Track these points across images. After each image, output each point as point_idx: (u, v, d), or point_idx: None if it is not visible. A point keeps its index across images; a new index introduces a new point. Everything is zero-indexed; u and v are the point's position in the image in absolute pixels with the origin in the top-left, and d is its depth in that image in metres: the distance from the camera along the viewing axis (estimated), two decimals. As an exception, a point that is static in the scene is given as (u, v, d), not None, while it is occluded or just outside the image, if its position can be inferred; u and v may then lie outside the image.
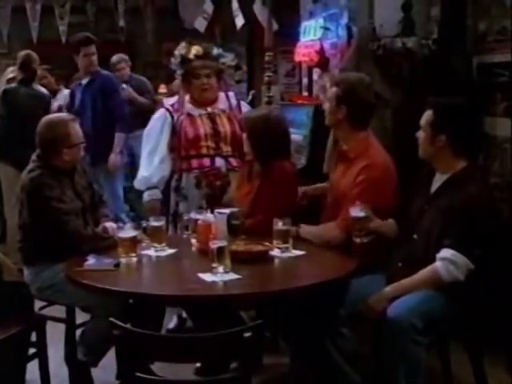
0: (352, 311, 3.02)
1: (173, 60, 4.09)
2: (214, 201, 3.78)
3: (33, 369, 3.34)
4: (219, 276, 2.76)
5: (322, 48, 5.04)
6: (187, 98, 4.07)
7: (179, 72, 4.07)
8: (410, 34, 4.27)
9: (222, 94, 4.13)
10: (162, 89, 6.69)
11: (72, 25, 8.15)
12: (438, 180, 3.09)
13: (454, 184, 2.99)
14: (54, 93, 6.53)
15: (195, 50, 4.00)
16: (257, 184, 3.55)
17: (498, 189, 3.87)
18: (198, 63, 3.98)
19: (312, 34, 5.27)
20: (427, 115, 3.07)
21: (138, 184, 4.13)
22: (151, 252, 3.19)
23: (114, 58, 6.83)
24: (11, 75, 6.27)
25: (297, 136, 4.68)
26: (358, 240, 3.05)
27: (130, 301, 3.21)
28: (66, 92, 6.48)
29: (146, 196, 4.06)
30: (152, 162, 4.03)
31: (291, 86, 7.51)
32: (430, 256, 2.91)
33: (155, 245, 3.20)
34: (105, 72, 5.77)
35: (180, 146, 3.98)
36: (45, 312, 3.58)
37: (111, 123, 5.53)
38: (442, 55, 4.16)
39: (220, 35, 8.05)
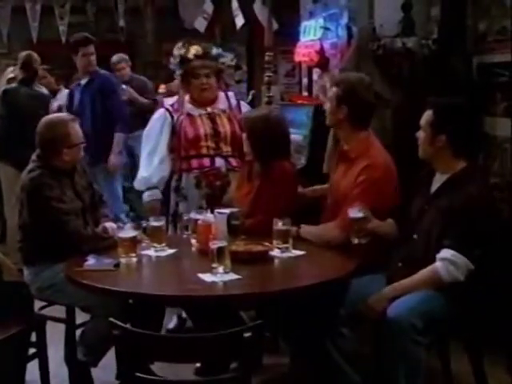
0: (352, 311, 3.02)
1: (172, 60, 4.09)
2: (213, 201, 3.78)
3: (33, 369, 3.34)
4: (219, 276, 2.76)
5: (321, 48, 5.04)
6: (187, 98, 4.07)
7: (178, 72, 4.07)
8: (410, 34, 4.27)
9: (221, 94, 4.13)
10: (162, 89, 6.69)
11: (72, 25, 8.15)
12: (438, 180, 3.09)
13: (454, 184, 2.99)
14: (53, 93, 6.53)
15: (194, 49, 4.00)
16: (257, 184, 3.55)
17: (498, 189, 3.87)
18: (198, 63, 3.97)
19: (312, 34, 5.27)
20: (427, 115, 3.07)
21: (137, 184, 4.13)
22: (151, 252, 3.19)
23: (114, 58, 6.83)
24: (11, 75, 6.28)
25: (297, 136, 4.68)
26: (355, 241, 3.05)
27: (130, 301, 3.21)
28: (65, 92, 6.46)
29: (145, 196, 4.06)
30: (152, 162, 4.03)
31: (291, 86, 7.51)
32: (430, 256, 2.91)
33: (155, 245, 3.20)
34: (103, 72, 5.76)
35: (180, 146, 3.98)
36: (45, 312, 3.58)
37: (110, 123, 5.52)
38: (442, 55, 4.16)
39: (220, 35, 8.05)
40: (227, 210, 3.33)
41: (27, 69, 5.75)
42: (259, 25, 6.07)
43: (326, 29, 5.03)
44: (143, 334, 2.31)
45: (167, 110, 4.09)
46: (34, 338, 3.30)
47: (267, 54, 5.58)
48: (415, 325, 2.80)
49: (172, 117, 4.03)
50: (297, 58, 5.58)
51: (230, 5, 6.37)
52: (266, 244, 3.09)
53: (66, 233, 3.31)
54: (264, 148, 3.52)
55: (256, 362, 3.42)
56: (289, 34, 5.93)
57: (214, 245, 2.80)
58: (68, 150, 3.44)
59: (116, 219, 4.17)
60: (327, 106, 3.39)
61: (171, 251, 3.20)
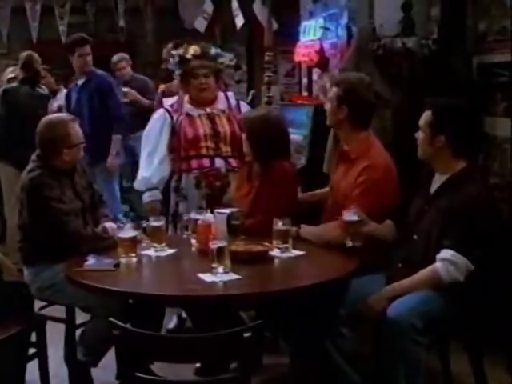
0: (352, 311, 3.02)
1: (171, 60, 4.09)
2: (213, 201, 3.77)
3: (33, 369, 3.33)
4: (219, 276, 2.76)
5: (321, 48, 5.04)
6: (186, 98, 4.07)
7: (177, 72, 4.07)
8: (410, 34, 4.27)
9: (221, 94, 4.13)
10: (161, 89, 6.69)
11: (72, 25, 8.16)
12: (438, 180, 3.09)
13: (454, 184, 2.99)
14: (53, 93, 6.53)
15: (193, 49, 4.00)
16: (256, 184, 3.55)
17: (498, 189, 3.87)
18: (196, 63, 3.97)
19: (312, 34, 5.27)
20: (426, 116, 3.07)
21: (137, 185, 4.13)
22: (151, 252, 3.19)
23: (115, 58, 6.82)
24: (11, 75, 6.28)
25: (296, 136, 4.68)
26: (350, 244, 3.04)
27: (130, 301, 3.21)
28: (65, 92, 6.47)
29: (146, 197, 4.05)
30: (152, 162, 4.03)
31: (291, 86, 7.50)
32: (430, 257, 2.91)
33: (155, 245, 3.19)
34: (100, 72, 5.76)
35: (179, 146, 3.98)
36: (45, 312, 3.58)
37: (108, 123, 5.54)
38: (441, 55, 4.16)
39: (220, 35, 8.05)
40: (227, 210, 3.32)
41: (28, 69, 5.76)
42: (259, 25, 6.07)
43: (326, 29, 5.03)
44: (143, 334, 2.31)
45: (167, 110, 4.09)
46: (33, 338, 3.30)
47: (267, 54, 5.59)
48: (415, 325, 2.80)
49: (171, 117, 4.03)
50: (297, 58, 5.58)
51: (229, 5, 6.37)
52: (266, 244, 3.09)
53: (65, 233, 3.31)
54: (264, 148, 3.52)
55: (256, 362, 3.42)
56: (289, 34, 5.93)
57: (214, 245, 2.80)
58: (68, 150, 3.44)
59: (114, 219, 4.17)
60: (327, 107, 3.39)
61: (171, 251, 3.20)
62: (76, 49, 5.56)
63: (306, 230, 3.29)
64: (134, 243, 3.10)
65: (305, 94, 5.90)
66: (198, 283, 2.74)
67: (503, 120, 3.93)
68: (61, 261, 3.19)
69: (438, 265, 2.88)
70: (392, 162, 3.29)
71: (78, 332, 3.47)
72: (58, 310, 3.57)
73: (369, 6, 4.50)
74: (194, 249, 3.23)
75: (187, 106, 4.03)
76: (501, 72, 3.94)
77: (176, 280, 3.02)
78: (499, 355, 3.48)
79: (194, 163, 3.95)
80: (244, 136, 3.63)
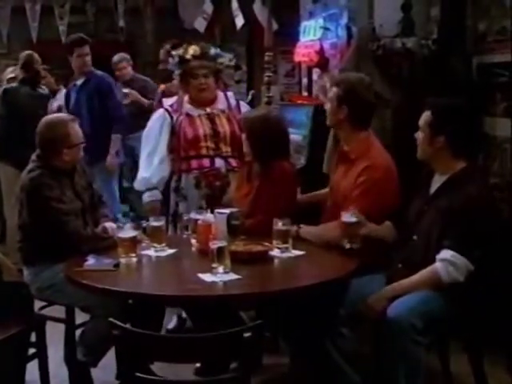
0: (352, 311, 3.02)
1: (171, 60, 4.10)
2: (213, 201, 3.77)
3: (32, 369, 3.33)
4: (219, 276, 2.76)
5: (321, 48, 5.04)
6: (186, 98, 4.07)
7: (177, 72, 4.07)
8: (410, 34, 4.27)
9: (221, 94, 4.13)
10: (162, 89, 6.68)
11: (72, 25, 8.17)
12: (437, 181, 3.09)
13: (454, 184, 2.99)
14: (53, 93, 6.53)
15: (193, 50, 4.00)
16: (256, 184, 3.55)
17: (498, 189, 3.87)
18: (196, 63, 3.98)
19: (312, 34, 5.27)
20: (425, 116, 3.06)
21: (137, 185, 4.13)
22: (151, 252, 3.18)
23: (115, 58, 6.82)
24: (11, 75, 6.28)
25: (296, 136, 4.68)
26: (347, 246, 3.03)
27: (130, 301, 3.21)
28: (65, 92, 6.48)
29: (146, 197, 4.05)
30: (152, 162, 4.03)
31: (291, 86, 7.51)
32: (430, 257, 2.91)
33: (155, 245, 3.19)
34: (99, 72, 5.77)
35: (179, 146, 3.98)
36: (44, 312, 3.58)
37: (107, 123, 5.54)
38: (441, 55, 4.17)
39: (220, 35, 8.05)
40: (227, 210, 3.32)
41: (28, 69, 5.76)
42: (259, 25, 6.07)
43: (326, 29, 5.03)
44: (143, 334, 2.31)
45: (166, 110, 4.09)
46: (33, 338, 3.30)
47: (267, 54, 5.59)
48: (415, 325, 2.80)
49: (171, 117, 4.03)
50: (296, 58, 5.58)
51: (229, 5, 6.38)
52: (266, 244, 3.09)
53: (65, 233, 3.31)
54: (263, 148, 3.52)
55: (256, 362, 3.42)
56: (289, 34, 5.93)
57: (214, 245, 2.80)
58: (68, 150, 3.44)
59: (114, 219, 4.17)
60: (327, 107, 3.39)
61: (171, 251, 3.20)
62: (75, 49, 5.57)
63: (306, 230, 3.29)
64: (133, 243, 3.10)
65: (305, 94, 5.90)
66: (197, 283, 2.74)
67: (503, 120, 3.93)
68: (61, 261, 3.18)
69: (437, 265, 2.88)
70: (392, 163, 3.29)
71: (78, 332, 3.47)
72: (58, 310, 3.56)
73: (368, 6, 4.50)
74: (194, 249, 3.23)
75: (187, 106, 4.03)
76: (501, 72, 3.94)
77: (176, 280, 3.02)
78: (499, 355, 3.48)
79: (194, 163, 3.95)
80: (244, 136, 3.63)
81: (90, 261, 3.05)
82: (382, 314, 2.87)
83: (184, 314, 4.20)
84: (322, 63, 5.09)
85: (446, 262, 2.86)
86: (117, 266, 2.99)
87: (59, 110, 6.01)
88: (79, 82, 5.68)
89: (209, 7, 6.80)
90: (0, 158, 5.71)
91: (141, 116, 5.80)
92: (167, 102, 4.26)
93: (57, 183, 3.39)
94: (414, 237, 3.07)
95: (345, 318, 3.04)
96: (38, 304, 3.57)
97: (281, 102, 6.18)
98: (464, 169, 3.01)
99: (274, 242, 3.09)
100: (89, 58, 5.62)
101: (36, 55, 5.84)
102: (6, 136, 5.62)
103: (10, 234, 5.60)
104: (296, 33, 5.61)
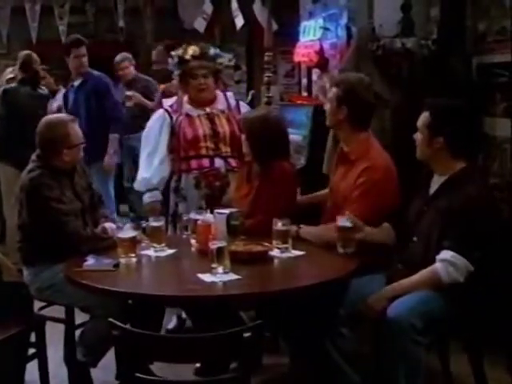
0: (352, 311, 3.02)
1: (170, 61, 4.10)
2: (213, 201, 3.77)
3: (32, 369, 3.33)
4: (219, 276, 2.76)
5: (321, 48, 5.04)
6: (186, 98, 4.07)
7: (176, 72, 4.07)
8: (410, 34, 4.28)
9: (220, 95, 4.13)
10: (161, 89, 6.69)
11: (71, 25, 8.17)
12: (437, 181, 3.08)
13: (453, 185, 2.98)
14: (53, 93, 6.53)
15: (192, 50, 4.00)
16: (256, 184, 3.55)
17: (498, 189, 3.87)
18: (195, 63, 3.98)
19: (311, 35, 5.28)
20: (424, 117, 3.06)
21: (138, 185, 4.12)
22: (151, 252, 3.18)
23: (118, 58, 6.82)
24: (11, 75, 6.27)
25: (296, 136, 4.69)
26: (341, 250, 3.02)
27: (130, 301, 3.21)
28: (63, 92, 6.47)
29: (146, 198, 4.05)
30: (152, 163, 4.03)
31: (290, 87, 7.52)
32: (430, 258, 2.91)
33: (155, 245, 3.19)
34: (96, 73, 5.78)
35: (179, 146, 3.98)
36: (44, 312, 3.58)
37: (105, 124, 5.55)
38: (441, 56, 4.16)
39: (219, 35, 8.06)
40: (227, 211, 3.32)
41: (26, 69, 5.76)
42: (259, 25, 6.07)
43: (326, 29, 5.03)
44: (143, 335, 2.31)
45: (166, 110, 4.09)
46: (33, 338, 3.30)
47: (267, 54, 5.59)
48: (415, 325, 2.79)
49: (171, 117, 4.03)
50: (296, 59, 5.58)
51: (229, 5, 6.38)
52: (266, 244, 3.09)
53: (65, 233, 3.31)
54: (263, 148, 3.52)
55: (256, 362, 3.42)
56: (288, 35, 5.94)
57: (214, 245, 2.80)
58: (68, 150, 3.43)
59: (114, 219, 4.17)
60: (327, 107, 3.39)
61: (171, 251, 3.20)
62: (71, 50, 5.60)
63: (306, 230, 3.29)
64: (133, 243, 3.10)
65: (304, 94, 5.91)
66: (197, 283, 2.74)
67: (503, 120, 3.93)
68: (60, 261, 3.18)
69: (437, 266, 2.87)
70: (392, 163, 3.29)
71: (78, 332, 3.47)
72: (58, 311, 3.56)
73: (368, 7, 4.50)
74: (193, 249, 3.23)
75: (186, 107, 4.03)
76: (500, 72, 3.94)
77: (176, 280, 3.02)
78: (499, 355, 3.48)
79: (194, 163, 3.95)
80: (243, 136, 3.63)
81: (90, 261, 3.05)
82: (382, 314, 2.87)
83: (184, 314, 4.20)
84: (322, 63, 5.09)
85: (446, 262, 2.85)
86: (116, 266, 2.99)
87: (59, 110, 6.01)
88: (76, 82, 5.71)
89: (208, 7, 6.80)
90: (0, 158, 5.71)
91: (142, 116, 5.81)
92: (167, 102, 4.26)
93: (57, 183, 3.39)
94: (414, 238, 3.07)
95: (345, 318, 3.04)
96: (37, 304, 3.57)
97: (280, 102, 6.19)
98: (463, 169, 3.01)
99: (274, 242, 3.09)
100: (85, 59, 5.64)
101: (34, 55, 5.84)
102: (6, 136, 5.62)
103: (9, 234, 5.60)
104: (296, 33, 5.62)
